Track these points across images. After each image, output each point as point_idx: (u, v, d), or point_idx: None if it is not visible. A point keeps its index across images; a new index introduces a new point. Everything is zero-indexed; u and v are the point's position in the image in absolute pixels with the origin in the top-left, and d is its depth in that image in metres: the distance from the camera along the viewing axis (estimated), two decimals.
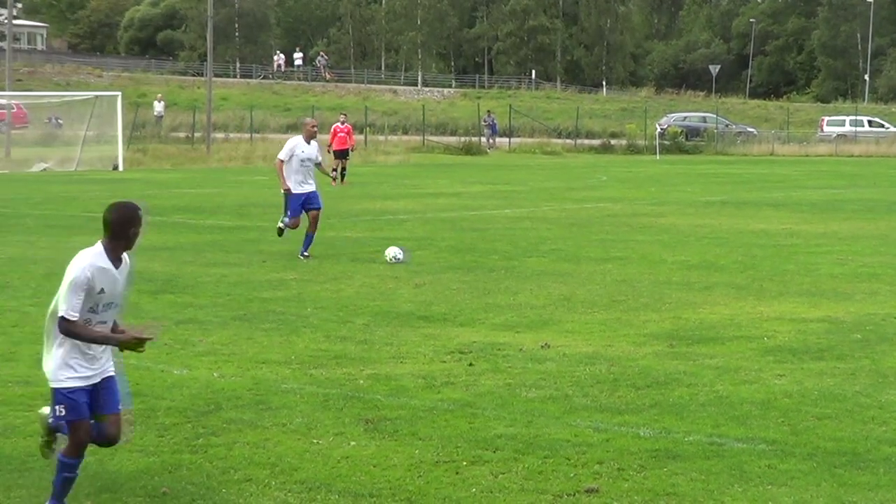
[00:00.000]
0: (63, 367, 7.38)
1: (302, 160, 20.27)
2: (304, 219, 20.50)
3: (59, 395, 7.38)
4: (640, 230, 25.55)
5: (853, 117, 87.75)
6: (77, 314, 7.27)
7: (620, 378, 11.23)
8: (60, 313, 7.28)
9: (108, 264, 7.42)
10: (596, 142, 79.21)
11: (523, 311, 15.16)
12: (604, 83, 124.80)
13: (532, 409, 10.05)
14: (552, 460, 8.60)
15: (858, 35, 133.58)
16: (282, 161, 20.32)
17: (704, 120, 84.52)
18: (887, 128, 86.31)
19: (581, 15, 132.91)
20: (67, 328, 7.28)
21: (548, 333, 13.56)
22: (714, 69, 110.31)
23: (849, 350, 12.58)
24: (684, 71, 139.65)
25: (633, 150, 74.86)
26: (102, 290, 7.36)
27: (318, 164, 20.59)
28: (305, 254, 20.22)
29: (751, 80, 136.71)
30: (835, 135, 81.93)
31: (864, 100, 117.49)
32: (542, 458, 8.66)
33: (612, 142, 78.23)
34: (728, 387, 10.87)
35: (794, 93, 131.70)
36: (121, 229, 7.44)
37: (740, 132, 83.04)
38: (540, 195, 36.94)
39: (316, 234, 20.46)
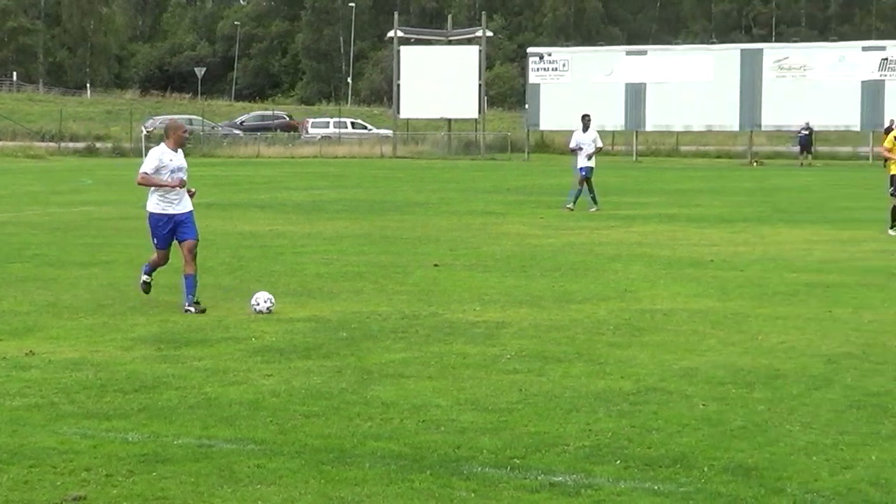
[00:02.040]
0: None
1: (172, 171, 15.47)
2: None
3: None
4: (127, 233, 25.23)
5: (337, 119, 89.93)
6: None
7: (108, 383, 11.02)
8: None
9: None
10: (81, 145, 77.67)
11: (6, 318, 14.66)
12: (88, 85, 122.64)
13: (16, 419, 9.71)
14: (38, 469, 8.33)
15: (341, 38, 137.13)
16: (146, 174, 15.38)
17: (190, 122, 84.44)
18: (370, 129, 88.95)
19: (63, 16, 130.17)
20: None
21: (32, 340, 13.16)
22: (199, 71, 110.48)
23: (335, 348, 12.83)
24: (170, 73, 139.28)
25: (118, 152, 73.88)
26: None
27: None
28: (196, 305, 15.25)
29: (236, 83, 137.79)
30: (319, 136, 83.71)
31: (347, 102, 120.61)
32: (27, 468, 8.38)
33: (98, 145, 76.93)
34: (217, 388, 10.87)
35: (279, 95, 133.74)
36: None
37: (227, 134, 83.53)
38: (23, 199, 35.87)
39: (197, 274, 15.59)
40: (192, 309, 15.13)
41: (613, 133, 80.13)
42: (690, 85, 71.43)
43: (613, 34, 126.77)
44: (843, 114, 68.46)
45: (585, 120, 33.45)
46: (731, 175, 56.12)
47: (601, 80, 73.57)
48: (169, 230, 15.50)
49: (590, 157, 32.47)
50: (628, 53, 76.13)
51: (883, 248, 22.92)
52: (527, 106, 77.73)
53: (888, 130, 58.86)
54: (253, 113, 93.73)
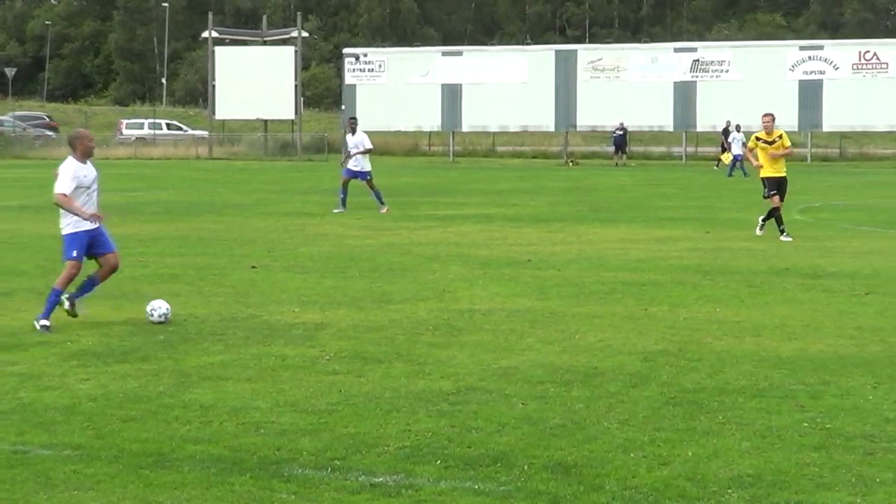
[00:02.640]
0: None
1: (87, 187, 14.72)
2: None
3: None
4: None
5: (152, 120, 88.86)
6: None
7: None
8: None
9: None
10: None
11: None
12: None
13: None
14: None
15: (155, 39, 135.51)
16: (66, 196, 14.47)
17: (1, 123, 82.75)
18: (185, 130, 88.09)
19: None
20: None
21: None
22: (10, 72, 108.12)
23: (152, 351, 12.66)
24: None
25: None
26: None
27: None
28: (74, 304, 14.68)
29: (48, 83, 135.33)
30: (134, 137, 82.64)
31: (162, 103, 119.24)
32: None
33: None
34: (32, 393, 10.65)
35: (93, 96, 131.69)
36: None
37: (39, 135, 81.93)
38: None
39: None
40: (69, 311, 14.54)
41: (430, 134, 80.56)
42: (506, 86, 72.07)
43: (429, 35, 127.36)
44: (657, 114, 69.72)
45: (352, 123, 33.50)
46: (548, 175, 56.77)
47: (417, 80, 73.85)
48: (88, 244, 14.61)
49: (357, 160, 32.31)
50: (444, 54, 76.52)
51: (696, 246, 23.38)
52: (343, 107, 77.60)
53: (726, 132, 60.22)
54: (11, 114, 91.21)
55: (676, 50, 72.41)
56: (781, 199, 24.72)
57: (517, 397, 10.59)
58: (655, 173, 58.44)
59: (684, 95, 69.33)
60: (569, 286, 17.73)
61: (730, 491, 7.98)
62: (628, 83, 70.32)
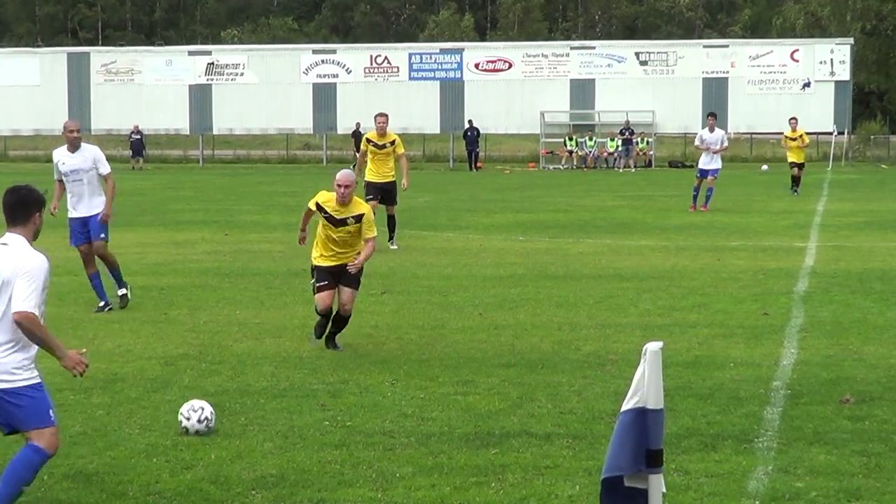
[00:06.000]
0: None
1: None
2: None
3: None
4: None
5: None
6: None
7: None
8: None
9: None
10: None
11: None
12: None
13: None
14: None
15: None
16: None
17: None
18: None
19: None
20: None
21: None
22: None
23: None
24: None
25: None
26: None
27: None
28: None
29: None
30: None
31: None
32: None
33: None
34: None
35: None
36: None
37: None
38: None
39: None
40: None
41: None
42: (17, 89, 69.97)
43: None
44: (173, 117, 69.29)
45: None
46: None
47: None
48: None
49: None
50: None
51: (216, 249, 23.43)
52: None
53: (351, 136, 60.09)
54: None
55: (191, 53, 72.21)
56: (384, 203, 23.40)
57: None
58: (173, 176, 58.13)
59: (200, 98, 69.24)
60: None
61: (253, 492, 8.06)
62: (143, 86, 69.61)
